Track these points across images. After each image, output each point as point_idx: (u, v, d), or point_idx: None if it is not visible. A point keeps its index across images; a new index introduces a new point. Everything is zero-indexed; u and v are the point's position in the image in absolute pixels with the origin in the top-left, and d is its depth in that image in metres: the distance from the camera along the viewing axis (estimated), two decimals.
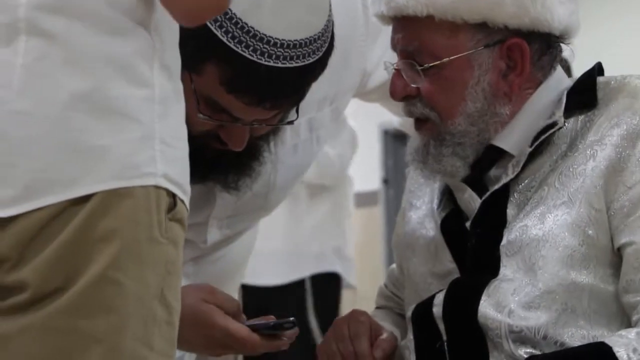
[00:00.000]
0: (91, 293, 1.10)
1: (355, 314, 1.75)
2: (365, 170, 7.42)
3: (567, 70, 1.79)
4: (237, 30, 1.50)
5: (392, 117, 2.13)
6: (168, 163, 1.15)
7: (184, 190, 1.19)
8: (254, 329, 1.62)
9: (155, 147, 1.14)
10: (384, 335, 1.73)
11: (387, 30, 1.88)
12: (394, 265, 1.90)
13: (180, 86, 1.22)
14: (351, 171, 4.06)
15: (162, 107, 1.16)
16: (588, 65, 1.68)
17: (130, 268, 1.12)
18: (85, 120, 1.11)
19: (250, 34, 1.50)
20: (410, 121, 2.05)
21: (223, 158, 1.66)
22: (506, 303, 1.55)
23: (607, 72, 1.69)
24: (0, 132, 1.11)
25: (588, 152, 1.57)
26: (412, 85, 1.63)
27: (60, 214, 1.10)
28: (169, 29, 1.20)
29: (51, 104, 1.11)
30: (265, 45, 1.51)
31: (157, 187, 1.14)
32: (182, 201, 1.18)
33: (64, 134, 1.11)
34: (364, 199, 7.42)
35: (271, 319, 1.66)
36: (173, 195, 1.16)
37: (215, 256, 1.92)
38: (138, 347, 1.13)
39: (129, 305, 1.12)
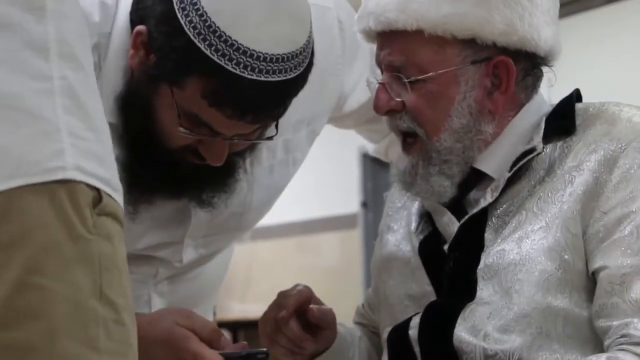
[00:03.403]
0: (11, 303, 1.00)
1: (297, 285, 1.75)
2: (344, 193, 7.43)
3: None
4: (221, 44, 1.51)
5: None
6: (82, 155, 1.05)
7: (109, 184, 1.09)
8: (226, 357, 1.61)
9: (64, 140, 1.04)
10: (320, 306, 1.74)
11: (364, 55, 1.89)
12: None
13: (93, 78, 1.13)
14: (330, 194, 4.06)
15: (68, 100, 1.06)
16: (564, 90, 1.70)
17: (51, 270, 1.02)
18: None
19: (234, 47, 1.51)
20: (384, 147, 2.07)
21: (199, 173, 1.67)
22: (482, 327, 1.56)
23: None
24: None
25: (566, 177, 1.58)
26: (397, 99, 1.63)
27: None
28: (67, 19, 1.10)
29: None
30: (248, 59, 1.51)
31: (68, 181, 1.04)
32: (110, 195, 1.08)
33: None
34: (343, 222, 7.42)
35: (242, 347, 1.65)
36: (97, 190, 1.06)
37: (191, 275, 1.92)
38: (81, 349, 1.03)
39: (58, 307, 1.02)
